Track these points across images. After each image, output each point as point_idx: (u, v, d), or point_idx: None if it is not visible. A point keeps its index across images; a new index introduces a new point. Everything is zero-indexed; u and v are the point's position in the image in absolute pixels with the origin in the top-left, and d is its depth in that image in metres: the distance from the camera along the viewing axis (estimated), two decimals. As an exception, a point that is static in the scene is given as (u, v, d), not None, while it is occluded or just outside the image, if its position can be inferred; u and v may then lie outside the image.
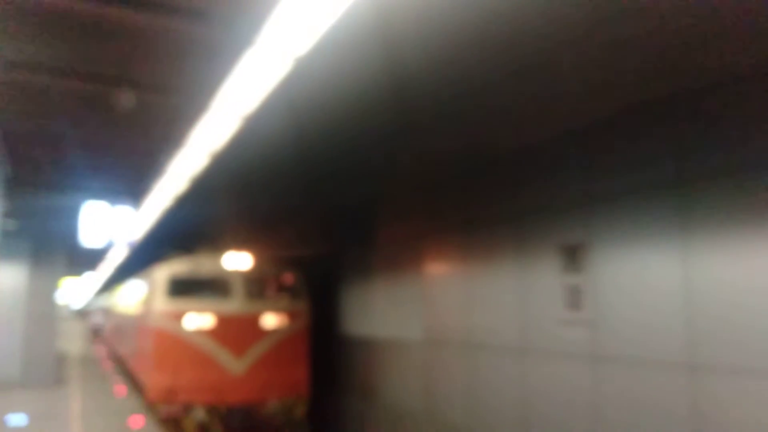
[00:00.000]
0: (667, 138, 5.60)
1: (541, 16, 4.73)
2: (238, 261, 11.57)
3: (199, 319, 10.89)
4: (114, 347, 22.92)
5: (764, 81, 4.77)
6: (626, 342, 5.92)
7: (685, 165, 5.44)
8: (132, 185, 11.74)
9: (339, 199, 11.76)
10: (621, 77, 5.59)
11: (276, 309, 11.54)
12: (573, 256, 6.67)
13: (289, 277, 12.05)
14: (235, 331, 11.10)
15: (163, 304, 11.04)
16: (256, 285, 11.62)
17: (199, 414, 10.61)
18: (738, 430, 4.87)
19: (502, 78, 5.76)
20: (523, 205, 7.42)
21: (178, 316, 10.89)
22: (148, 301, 12.21)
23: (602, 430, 6.15)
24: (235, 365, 10.97)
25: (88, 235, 12.24)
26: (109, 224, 12.31)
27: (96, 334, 40.26)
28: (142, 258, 21.47)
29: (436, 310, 9.15)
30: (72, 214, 13.13)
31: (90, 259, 26.67)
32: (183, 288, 11.20)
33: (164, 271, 11.40)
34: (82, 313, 76.47)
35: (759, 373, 4.73)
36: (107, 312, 28.90)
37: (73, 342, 33.83)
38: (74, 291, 55.53)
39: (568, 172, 6.75)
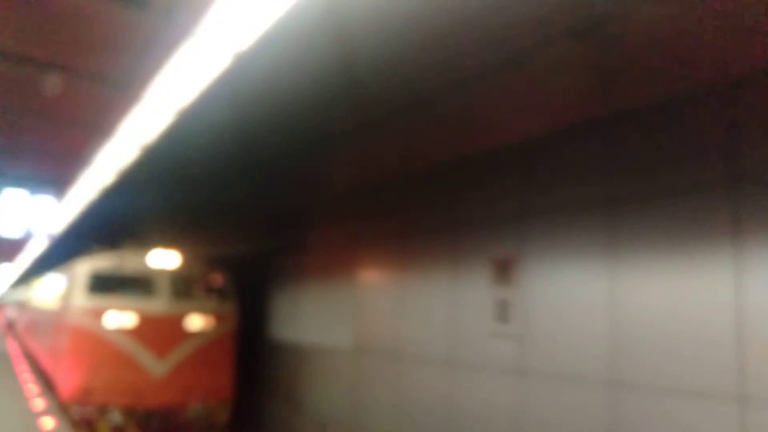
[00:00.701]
0: (598, 158, 5.74)
1: (485, 35, 4.77)
2: (164, 259, 11.19)
3: (120, 318, 10.46)
4: (27, 343, 21.82)
5: (691, 108, 4.95)
6: (551, 357, 6.02)
7: (614, 186, 5.58)
8: (55, 175, 11.20)
9: (274, 199, 11.57)
10: (557, 97, 5.70)
11: (202, 310, 11.22)
12: (504, 269, 6.75)
13: (217, 278, 11.75)
14: (158, 332, 10.72)
15: (82, 299, 10.55)
16: (183, 284, 11.26)
17: (115, 416, 10.18)
18: (653, 446, 5.01)
19: (444, 86, 5.79)
20: (459, 217, 7.46)
21: (98, 314, 10.43)
22: (66, 297, 11.65)
23: (524, 443, 6.23)
24: (156, 366, 10.59)
25: (4, 224, 11.61)
26: (29, 214, 11.71)
27: (9, 328, 38.30)
28: (63, 251, 20.56)
29: (367, 318, 9.10)
30: (-12, 202, 12.42)
31: (6, 249, 25.34)
32: (105, 284, 10.74)
33: (85, 266, 10.91)
34: (-4, 306, 72.74)
35: (675, 392, 4.89)
36: (22, 306, 27.52)
37: (-18, 336, 32.01)
38: (-13, 282, 52.73)
39: (504, 186, 6.83)
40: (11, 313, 38.25)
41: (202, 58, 5.01)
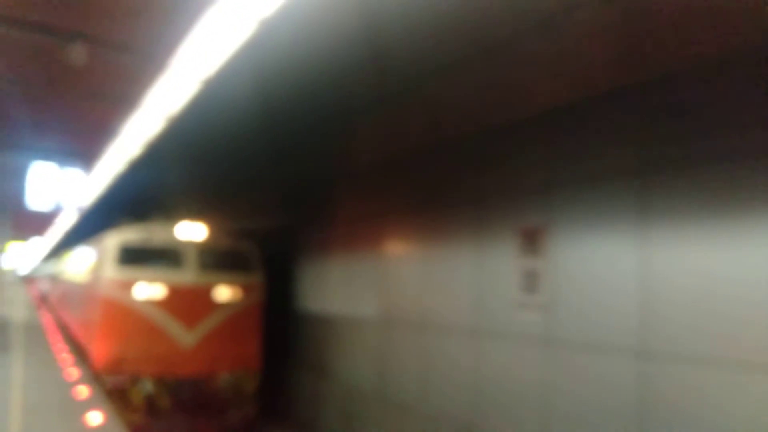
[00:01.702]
0: (628, 126, 5.59)
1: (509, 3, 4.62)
2: (192, 231, 11.27)
3: (149, 289, 10.60)
4: (60, 315, 22.30)
5: (724, 73, 4.77)
6: (579, 327, 5.94)
7: (645, 154, 5.43)
8: (83, 147, 11.27)
9: (300, 172, 11.54)
10: (585, 64, 5.54)
11: (230, 282, 11.31)
12: (532, 239, 6.66)
13: (244, 250, 11.82)
14: (187, 303, 10.85)
15: (112, 272, 10.70)
16: (210, 256, 11.36)
17: (147, 386, 10.37)
18: (684, 416, 4.94)
19: (468, 59, 5.65)
20: (486, 187, 7.36)
21: (128, 285, 10.58)
22: (97, 269, 11.83)
23: (551, 411, 6.19)
24: (185, 337, 10.74)
25: (35, 198, 11.76)
26: (58, 187, 11.84)
27: (42, 300, 39.20)
28: (92, 224, 20.85)
29: (393, 289, 9.09)
30: (18, 175, 12.56)
31: (38, 223, 25.80)
32: (134, 256, 10.87)
33: (115, 239, 11.04)
34: (29, 279, 74.46)
35: (707, 363, 4.79)
36: (54, 279, 28.09)
37: (18, 308, 32.83)
38: (21, 256, 53.94)
39: (531, 155, 6.70)
40: (44, 285, 39.12)
41: (226, 25, 4.95)
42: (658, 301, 5.24)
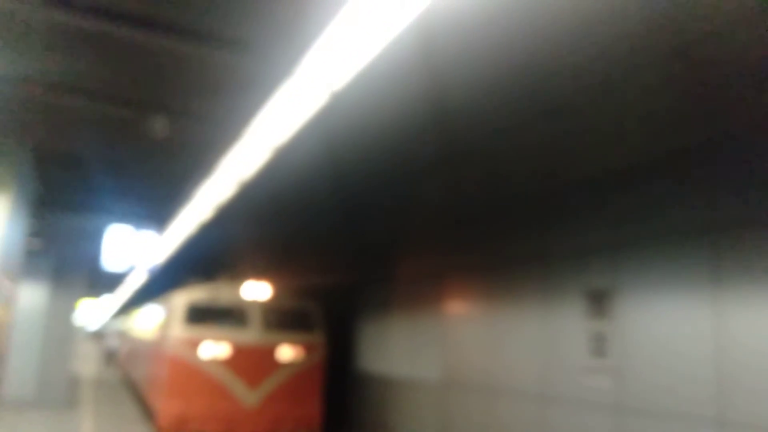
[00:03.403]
0: (698, 184, 5.52)
1: (574, 63, 4.72)
2: (256, 290, 11.51)
3: (215, 348, 10.81)
4: (128, 371, 22.84)
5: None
6: (650, 393, 5.74)
7: (716, 213, 5.33)
8: (157, 210, 11.81)
9: (363, 231, 11.72)
10: (649, 123, 5.55)
11: (292, 341, 11.43)
12: (599, 301, 6.54)
13: (307, 309, 11.96)
14: (251, 362, 10.99)
15: (179, 330, 10.99)
16: (274, 315, 11.53)
17: (210, 444, 10.45)
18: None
19: (534, 117, 5.75)
20: (550, 247, 7.32)
21: (195, 344, 10.82)
22: (164, 327, 12.16)
23: (626, 484, 5.94)
24: (248, 396, 10.84)
25: (110, 259, 12.30)
26: (132, 248, 12.36)
27: (111, 356, 40.21)
28: (161, 283, 21.52)
29: (455, 350, 9.00)
30: (96, 237, 13.22)
31: (109, 281, 26.80)
32: (200, 315, 11.14)
33: (183, 298, 11.37)
34: (98, 335, 76.58)
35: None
36: (123, 335, 28.89)
37: (87, 364, 33.80)
38: (91, 312, 55.71)
39: (597, 215, 6.66)
40: (112, 341, 40.17)
41: (299, 97, 5.22)
42: (734, 366, 5.04)
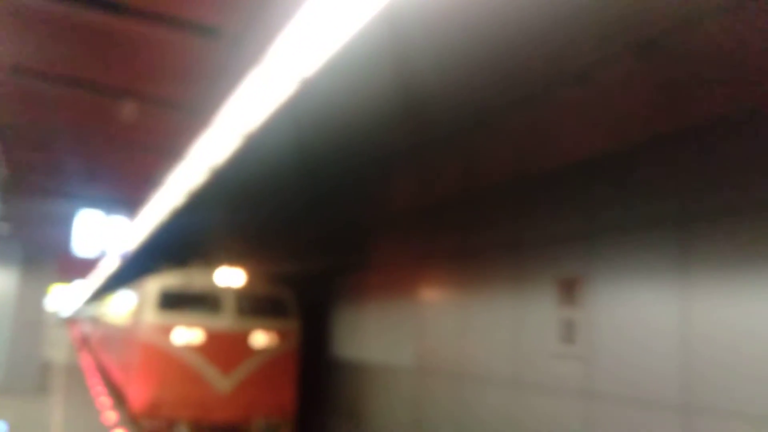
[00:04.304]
0: (668, 175, 5.60)
1: (546, 54, 4.75)
2: (230, 277, 11.47)
3: (188, 334, 10.77)
4: (100, 357, 22.66)
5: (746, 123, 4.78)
6: (619, 379, 5.86)
7: (685, 203, 5.43)
8: (128, 196, 11.67)
9: (337, 218, 11.72)
10: (622, 113, 5.61)
11: (266, 327, 11.42)
12: (570, 289, 6.63)
13: (281, 295, 11.95)
14: (224, 348, 10.97)
15: (152, 316, 10.92)
16: (248, 302, 11.51)
17: (183, 430, 10.44)
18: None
19: (506, 107, 5.78)
20: (522, 235, 7.39)
21: (167, 330, 10.76)
22: (137, 313, 12.08)
23: (592, 468, 6.07)
24: (222, 382, 10.83)
25: (81, 244, 12.15)
26: (103, 233, 12.22)
27: (83, 342, 39.83)
28: (134, 269, 21.32)
29: (428, 337, 9.07)
30: (66, 222, 13.02)
31: (81, 267, 26.47)
32: (173, 301, 11.09)
33: (155, 284, 11.30)
34: (70, 321, 75.77)
35: (751, 418, 4.68)
36: (95, 321, 28.62)
37: (59, 350, 33.45)
38: (63, 298, 55.06)
39: (569, 204, 6.73)
40: (85, 327, 39.78)
41: (269, 84, 5.18)
42: (700, 353, 5.16)
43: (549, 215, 7.00)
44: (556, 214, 6.90)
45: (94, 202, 12.11)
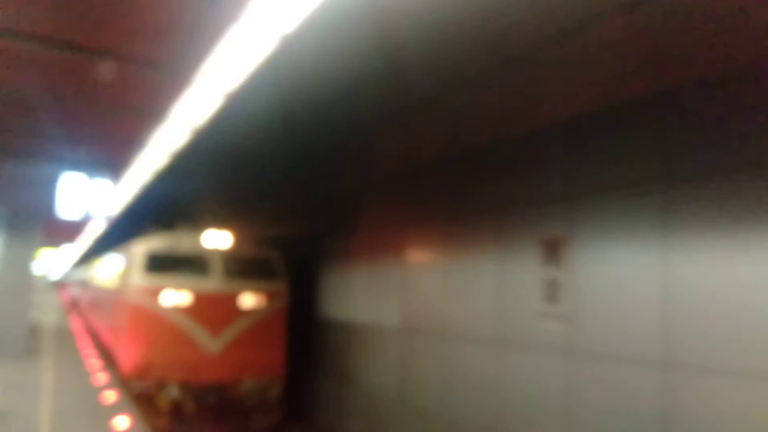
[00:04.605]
0: (653, 136, 5.59)
1: (531, 10, 4.67)
2: (217, 239, 11.46)
3: (176, 296, 10.79)
4: (89, 320, 22.72)
5: (747, 82, 4.76)
6: (601, 337, 5.94)
7: (668, 165, 5.43)
8: (111, 158, 11.54)
9: (323, 180, 11.66)
10: (606, 74, 5.56)
11: (254, 289, 11.46)
12: (553, 249, 6.67)
13: (268, 257, 11.97)
14: (213, 310, 11.02)
15: (140, 279, 10.92)
16: (235, 264, 11.52)
17: (173, 391, 10.54)
18: (706, 427, 4.92)
19: (490, 68, 5.71)
20: (507, 196, 7.39)
21: (155, 292, 10.78)
22: (125, 276, 12.07)
23: (573, 419, 6.19)
24: (210, 343, 10.91)
25: (65, 207, 12.05)
26: (87, 196, 12.12)
27: (72, 306, 39.91)
28: (121, 232, 21.24)
29: (414, 298, 9.14)
30: (49, 185, 12.90)
31: (68, 230, 26.34)
32: (161, 264, 11.08)
33: (142, 247, 11.27)
34: (60, 285, 75.80)
35: (730, 374, 4.77)
36: (84, 285, 28.63)
37: (48, 314, 33.49)
38: (52, 262, 54.96)
39: (552, 165, 6.72)
40: (74, 291, 39.81)
41: (249, 41, 5.08)
42: (680, 311, 5.23)
43: (532, 177, 6.99)
44: (538, 176, 6.89)
45: (77, 165, 11.98)
